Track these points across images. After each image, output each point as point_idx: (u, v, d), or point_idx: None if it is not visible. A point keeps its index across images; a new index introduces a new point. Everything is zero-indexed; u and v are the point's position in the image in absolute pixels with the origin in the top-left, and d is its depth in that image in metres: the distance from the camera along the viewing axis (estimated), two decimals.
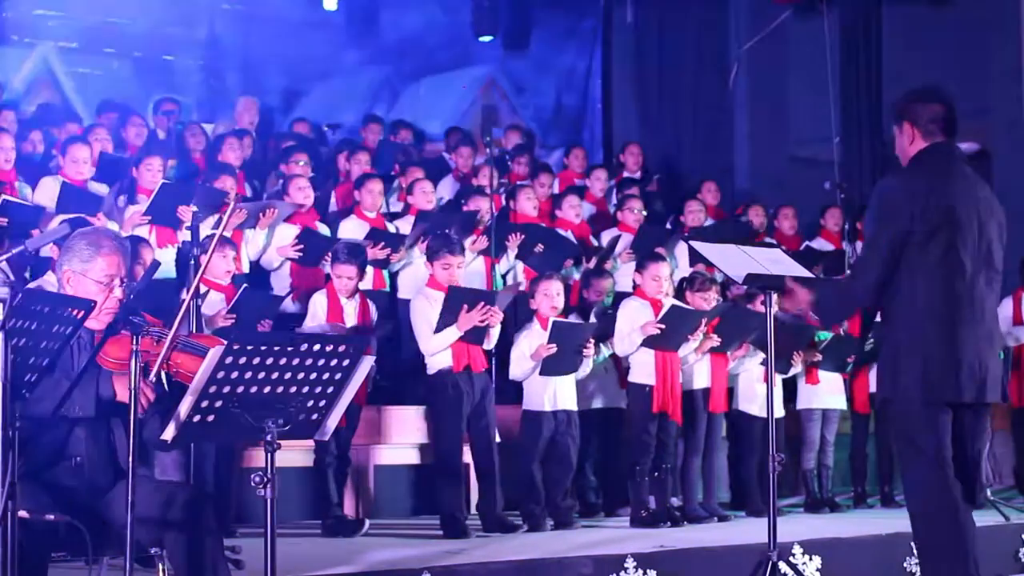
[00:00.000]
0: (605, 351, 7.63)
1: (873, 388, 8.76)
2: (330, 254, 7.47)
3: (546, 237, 9.01)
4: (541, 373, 7.13)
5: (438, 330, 6.80)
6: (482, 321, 6.76)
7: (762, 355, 8.10)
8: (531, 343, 7.19)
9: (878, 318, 4.65)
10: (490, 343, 7.04)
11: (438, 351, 6.87)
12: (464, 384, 6.87)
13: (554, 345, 7.03)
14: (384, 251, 8.27)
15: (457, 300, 6.78)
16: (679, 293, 7.94)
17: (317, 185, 9.25)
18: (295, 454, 7.20)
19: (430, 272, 7.03)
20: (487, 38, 13.81)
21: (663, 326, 7.27)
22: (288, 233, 8.15)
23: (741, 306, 7.97)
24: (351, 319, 7.04)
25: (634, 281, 7.78)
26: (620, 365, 7.80)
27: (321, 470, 6.91)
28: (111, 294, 4.00)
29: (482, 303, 6.77)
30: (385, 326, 7.91)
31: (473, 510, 7.30)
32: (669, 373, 7.39)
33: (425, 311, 6.87)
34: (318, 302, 7.07)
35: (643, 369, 7.44)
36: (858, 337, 8.51)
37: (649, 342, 7.33)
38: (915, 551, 4.61)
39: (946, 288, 4.43)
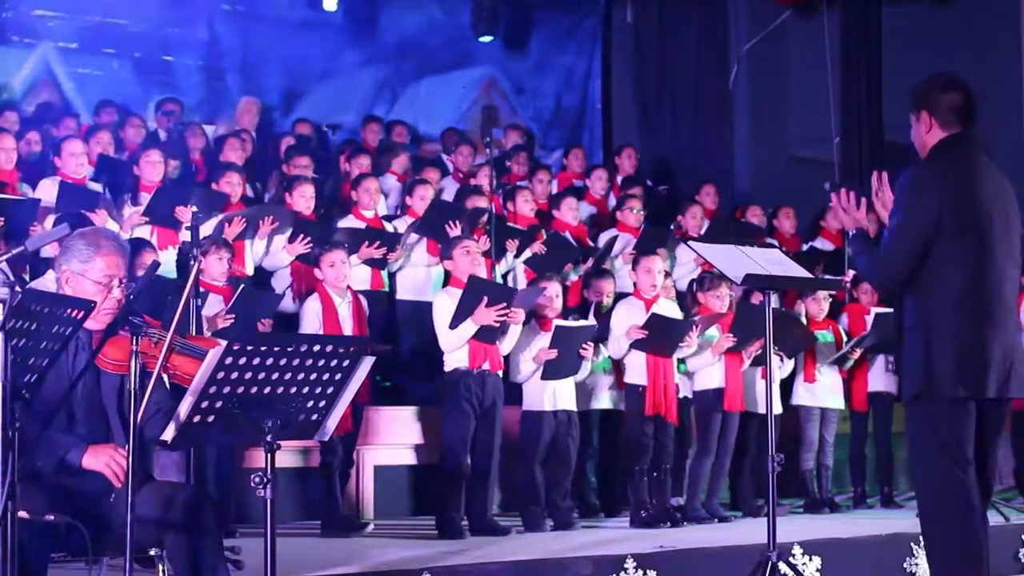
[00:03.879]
0: (605, 352, 7.63)
1: (872, 388, 8.77)
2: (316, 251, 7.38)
3: (549, 240, 8.99)
4: (543, 377, 7.10)
5: (454, 324, 6.74)
6: (498, 322, 6.72)
7: (790, 363, 8.14)
8: (531, 345, 7.18)
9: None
10: (506, 346, 6.99)
11: (456, 348, 6.82)
12: (476, 385, 6.83)
13: (555, 350, 7.02)
14: (380, 251, 8.25)
15: (476, 291, 6.73)
16: (691, 295, 7.92)
17: (317, 186, 9.22)
18: (295, 454, 7.20)
19: (451, 270, 6.99)
20: (487, 38, 13.81)
21: (646, 332, 7.26)
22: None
23: (754, 304, 7.92)
24: (346, 320, 6.98)
25: (633, 281, 7.78)
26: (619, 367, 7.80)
27: (323, 470, 6.90)
28: (110, 294, 3.99)
29: (503, 304, 6.70)
30: (386, 348, 7.90)
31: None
32: (661, 375, 7.38)
33: (445, 308, 6.81)
34: (311, 307, 6.99)
35: (637, 370, 7.45)
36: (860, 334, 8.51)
37: (639, 345, 7.33)
38: (924, 550, 4.54)
39: (978, 283, 4.39)
